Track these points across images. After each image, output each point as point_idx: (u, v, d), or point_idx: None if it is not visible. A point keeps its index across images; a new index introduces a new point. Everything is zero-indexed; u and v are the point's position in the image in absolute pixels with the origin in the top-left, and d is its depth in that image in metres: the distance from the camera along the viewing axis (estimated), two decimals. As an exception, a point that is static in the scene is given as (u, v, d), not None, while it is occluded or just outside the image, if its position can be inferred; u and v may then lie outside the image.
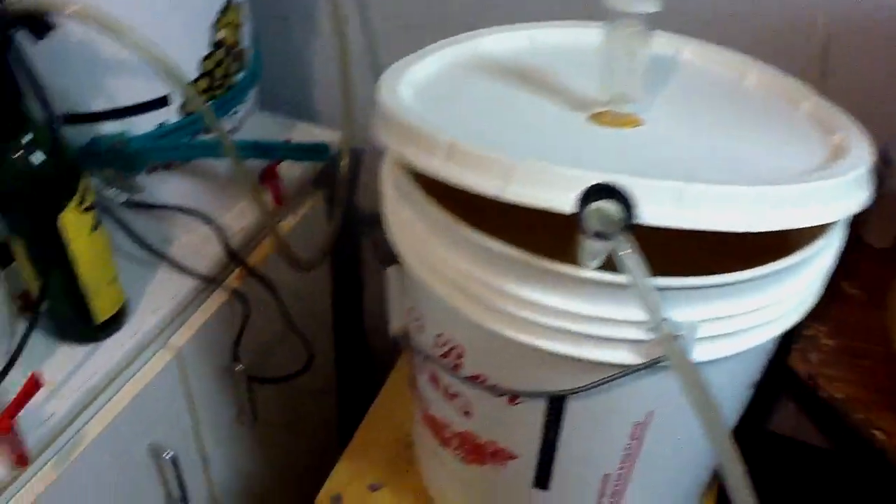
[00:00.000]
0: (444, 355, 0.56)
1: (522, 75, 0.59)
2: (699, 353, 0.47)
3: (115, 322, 0.66)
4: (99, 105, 0.65)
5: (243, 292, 0.76)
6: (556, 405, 0.52)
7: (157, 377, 0.69)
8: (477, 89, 0.57)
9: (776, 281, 0.47)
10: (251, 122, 0.79)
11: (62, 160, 0.55)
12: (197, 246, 0.76)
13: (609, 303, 0.45)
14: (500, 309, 0.47)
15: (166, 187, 0.73)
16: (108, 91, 0.64)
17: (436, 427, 0.64)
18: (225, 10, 0.69)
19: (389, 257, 0.57)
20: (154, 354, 0.70)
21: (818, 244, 0.48)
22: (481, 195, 0.43)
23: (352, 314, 1.15)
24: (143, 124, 0.67)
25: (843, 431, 0.86)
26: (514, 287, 0.46)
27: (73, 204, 0.56)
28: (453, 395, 0.58)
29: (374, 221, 1.02)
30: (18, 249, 0.58)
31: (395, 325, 0.62)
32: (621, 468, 0.57)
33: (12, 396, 0.55)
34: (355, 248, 1.07)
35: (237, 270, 0.77)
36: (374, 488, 0.75)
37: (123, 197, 0.69)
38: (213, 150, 0.70)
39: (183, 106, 0.68)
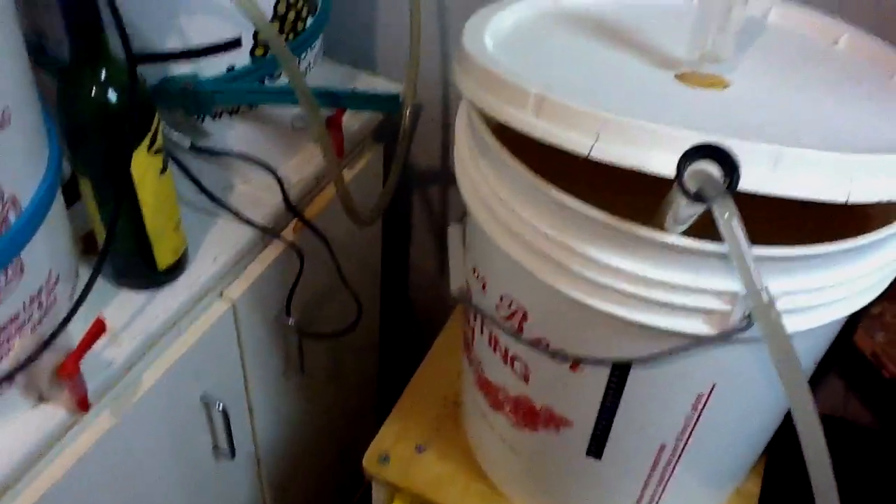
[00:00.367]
0: (507, 318, 0.55)
1: (608, 30, 0.57)
2: (787, 325, 0.46)
3: (177, 269, 0.66)
4: (171, 45, 0.64)
5: (299, 245, 0.75)
6: (620, 374, 0.52)
7: (212, 328, 0.69)
8: (560, 42, 0.56)
9: (864, 254, 0.46)
10: (316, 71, 0.78)
11: (138, 99, 0.55)
12: (256, 195, 0.75)
13: (689, 270, 0.44)
14: (574, 271, 0.46)
15: (231, 133, 0.72)
16: (181, 31, 0.63)
17: (489, 390, 0.63)
18: (298, -50, 0.68)
19: (443, 217, 0.56)
20: (211, 305, 0.70)
21: (907, 221, 0.46)
22: (570, 152, 0.42)
23: (398, 271, 1.15)
24: (213, 67, 0.66)
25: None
26: (591, 249, 0.45)
27: (144, 144, 0.56)
28: (512, 359, 0.58)
29: (429, 179, 1.01)
30: (86, 188, 0.58)
31: (455, 284, 0.61)
32: (678, 439, 0.56)
33: (76, 340, 0.55)
34: (407, 205, 1.06)
35: (294, 222, 0.77)
36: (420, 450, 0.75)
37: (188, 141, 0.68)
38: (285, 95, 0.69)
39: (253, 49, 0.67)
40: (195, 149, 0.69)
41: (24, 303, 0.53)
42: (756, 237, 0.40)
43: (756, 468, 0.73)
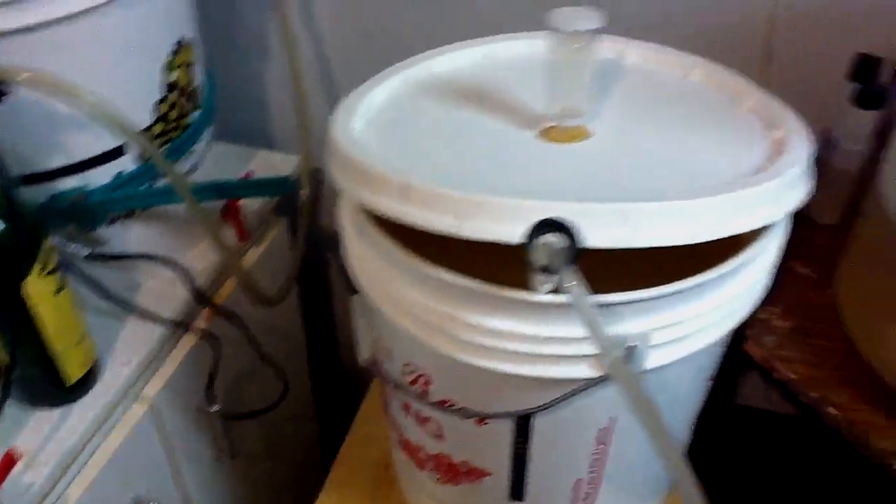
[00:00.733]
0: (412, 382, 0.57)
1: (476, 94, 0.60)
2: (653, 360, 0.49)
3: (88, 381, 0.66)
4: (55, 162, 0.65)
5: (213, 332, 0.76)
6: (522, 423, 0.54)
7: (133, 431, 0.69)
8: (432, 113, 0.58)
9: (723, 282, 0.49)
10: (210, 156, 0.80)
11: (21, 227, 0.55)
12: (163, 291, 0.76)
13: (564, 322, 0.46)
14: (461, 337, 0.48)
15: (128, 236, 0.73)
16: (64, 147, 0.64)
17: (411, 450, 0.65)
18: (176, 52, 0.70)
19: (354, 284, 0.58)
20: (129, 408, 0.70)
21: (761, 243, 0.50)
22: (438, 233, 0.45)
23: (325, 337, 1.16)
24: (100, 176, 0.68)
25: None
26: (471, 315, 0.47)
27: (35, 270, 0.56)
28: (424, 420, 0.59)
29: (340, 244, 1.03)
30: (-17, 317, 0.58)
31: (364, 354, 0.63)
32: (591, 472, 0.59)
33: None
34: (324, 271, 1.08)
35: (205, 310, 0.78)
36: (359, 514, 0.76)
37: (86, 251, 0.69)
38: (171, 195, 0.70)
39: (140, 154, 0.68)
40: (93, 257, 0.70)
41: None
42: (651, 267, 0.43)
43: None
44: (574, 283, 0.39)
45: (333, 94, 0.93)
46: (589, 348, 0.47)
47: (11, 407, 0.63)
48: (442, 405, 0.56)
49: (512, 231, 0.41)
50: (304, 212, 0.83)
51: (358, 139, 0.52)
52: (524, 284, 0.45)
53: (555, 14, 0.51)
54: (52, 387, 0.63)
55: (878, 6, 0.72)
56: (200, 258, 0.79)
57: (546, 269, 0.39)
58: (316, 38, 0.89)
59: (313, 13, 0.88)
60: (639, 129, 0.56)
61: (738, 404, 1.01)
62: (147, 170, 0.69)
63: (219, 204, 0.80)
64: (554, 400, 0.51)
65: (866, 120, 0.67)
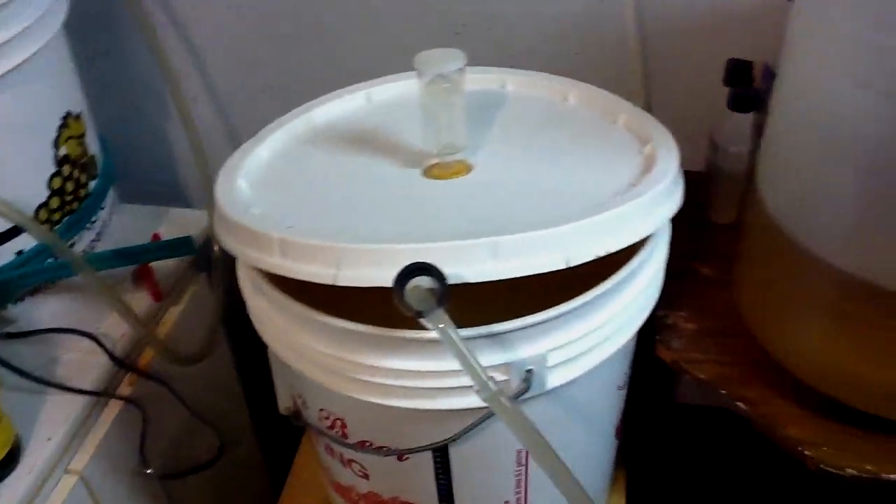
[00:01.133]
0: (330, 427, 0.58)
1: (360, 138, 0.61)
2: (554, 380, 0.50)
3: (9, 462, 0.65)
4: (-48, 247, 0.65)
5: (138, 396, 0.76)
6: (440, 454, 0.55)
7: (64, 505, 0.69)
8: (316, 163, 0.59)
9: (612, 296, 0.51)
10: (118, 220, 0.80)
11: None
12: (83, 361, 0.75)
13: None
14: (362, 378, 0.50)
15: (40, 310, 0.73)
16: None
17: (343, 492, 0.66)
18: (63, 125, 0.70)
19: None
20: (57, 483, 0.69)
21: (643, 254, 0.52)
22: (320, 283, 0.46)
23: (265, 384, 1.15)
24: (1, 256, 0.67)
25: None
26: (368, 357, 0.48)
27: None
28: (349, 461, 0.60)
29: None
30: None
31: (283, 404, 0.63)
32: (517, 492, 0.60)
33: None
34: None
35: (129, 375, 0.78)
36: (305, 558, 0.76)
37: (-5, 332, 0.69)
38: (72, 270, 0.70)
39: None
40: (4, 336, 0.69)
41: None
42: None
43: (618, 486, 0.78)
44: (440, 322, 0.40)
45: (234, 145, 0.94)
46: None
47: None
48: (361, 446, 0.57)
49: (385, 276, 0.43)
50: (220, 265, 0.84)
51: (240, 199, 0.53)
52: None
53: (418, 58, 0.53)
54: (-29, 475, 0.63)
55: (745, 13, 0.76)
56: (117, 325, 0.79)
57: (419, 314, 0.40)
58: (213, 94, 0.90)
59: (208, 72, 0.90)
60: (519, 157, 0.58)
61: (679, 403, 1.03)
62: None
63: (131, 267, 0.80)
64: (464, 429, 0.52)
65: (745, 122, 0.69)
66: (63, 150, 0.70)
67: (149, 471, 0.78)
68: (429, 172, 0.56)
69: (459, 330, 0.43)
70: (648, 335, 0.66)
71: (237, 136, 0.94)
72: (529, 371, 0.49)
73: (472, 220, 0.50)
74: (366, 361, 0.49)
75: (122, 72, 0.93)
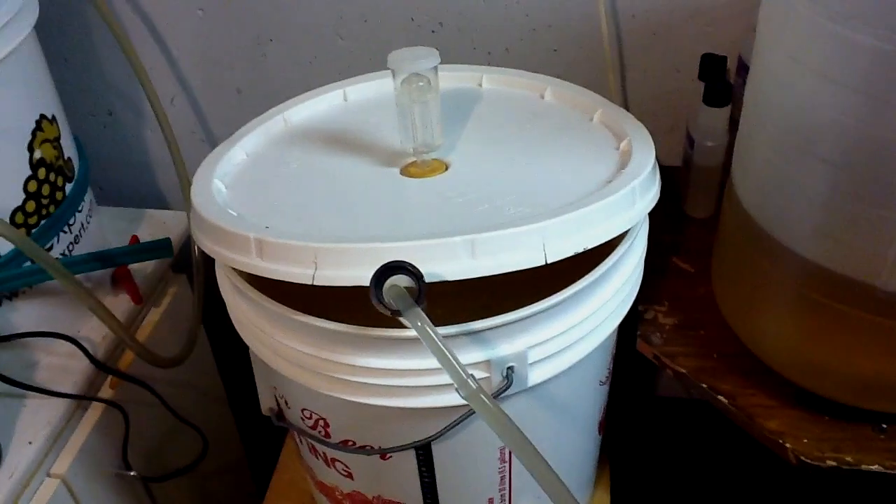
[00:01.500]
0: (313, 427, 0.58)
1: (336, 138, 0.61)
2: (536, 377, 0.50)
3: (-11, 467, 0.65)
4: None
5: (120, 400, 0.76)
6: (423, 452, 0.55)
7: (47, 509, 0.68)
8: (292, 163, 0.59)
9: (591, 292, 0.51)
10: (96, 222, 0.79)
11: None
12: (63, 364, 0.75)
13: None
14: (341, 378, 0.50)
15: (18, 314, 0.72)
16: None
17: (327, 491, 0.66)
18: (38, 129, 0.70)
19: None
20: (39, 487, 0.69)
21: (621, 249, 0.52)
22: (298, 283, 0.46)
23: (248, 384, 1.15)
24: (-24, 261, 0.67)
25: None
26: (348, 356, 0.48)
27: None
28: (332, 461, 0.60)
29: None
30: None
31: (265, 405, 0.63)
32: (501, 489, 0.60)
33: None
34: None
35: (109, 379, 0.77)
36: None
37: (-29, 337, 0.68)
38: (50, 273, 0.70)
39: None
40: (-19, 342, 0.69)
41: None
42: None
43: (601, 481, 0.79)
44: (418, 320, 0.40)
45: (212, 146, 0.93)
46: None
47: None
48: (344, 445, 0.57)
49: (363, 275, 0.43)
50: (199, 267, 0.83)
51: (217, 200, 0.53)
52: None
53: (392, 57, 0.53)
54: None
55: (719, 7, 0.76)
56: (98, 328, 0.78)
57: (396, 314, 0.40)
58: (189, 96, 0.90)
59: (183, 74, 0.89)
60: (496, 155, 0.58)
61: (661, 396, 1.04)
62: (26, 248, 0.69)
63: (110, 270, 0.80)
64: (446, 427, 0.52)
65: (720, 116, 0.70)
66: (38, 154, 0.69)
67: (132, 473, 0.78)
68: (406, 171, 0.56)
69: (438, 328, 0.43)
70: (629, 330, 0.67)
71: (213, 137, 0.94)
72: (510, 368, 0.49)
73: (450, 218, 0.50)
74: (346, 360, 0.48)
75: (95, 74, 0.92)
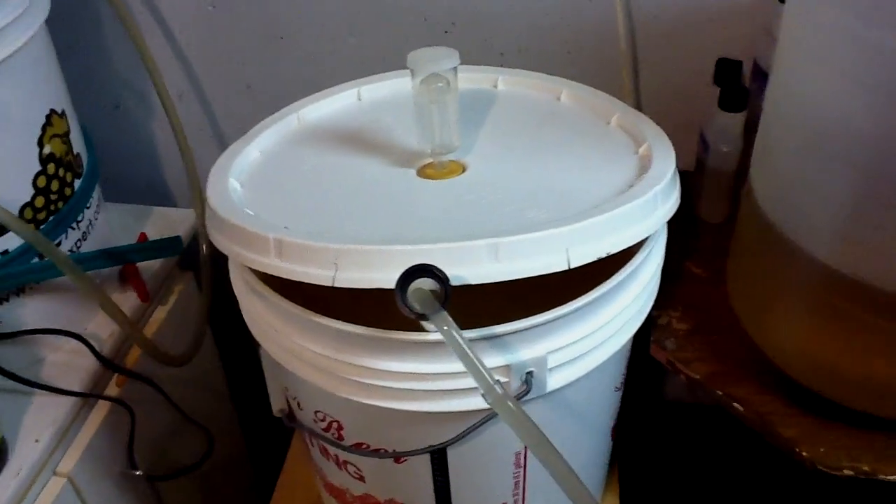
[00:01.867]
0: (326, 429, 0.57)
1: (352, 137, 0.61)
2: (554, 382, 0.50)
3: (-4, 464, 0.65)
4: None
5: (126, 398, 0.75)
6: (438, 457, 0.55)
7: (52, 508, 0.68)
8: (308, 163, 0.58)
9: (612, 297, 0.51)
10: (103, 219, 0.79)
11: None
12: (70, 361, 0.74)
13: (456, 357, 0.47)
14: (360, 380, 0.49)
15: (24, 310, 0.72)
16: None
17: (337, 493, 0.65)
18: (48, 123, 0.69)
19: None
20: (45, 485, 0.69)
21: (641, 254, 0.51)
22: (317, 285, 0.45)
23: (253, 382, 1.14)
24: (-15, 255, 0.66)
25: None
26: (366, 359, 0.48)
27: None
28: (344, 463, 0.60)
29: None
30: None
31: (276, 405, 0.63)
32: (515, 494, 0.60)
33: None
34: (240, 315, 1.07)
35: (116, 376, 0.77)
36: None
37: (-22, 331, 0.67)
38: (58, 269, 0.69)
39: (25, 229, 0.67)
40: (-12, 338, 0.68)
41: None
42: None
43: (611, 485, 0.78)
44: (444, 324, 0.40)
45: (220, 143, 0.93)
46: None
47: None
48: (357, 448, 0.56)
49: (385, 278, 0.42)
50: (207, 265, 0.83)
51: (233, 199, 0.52)
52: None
53: (412, 57, 0.52)
54: (-45, 480, 0.62)
55: (733, 10, 0.76)
56: (104, 325, 0.78)
57: (421, 317, 0.40)
58: (198, 92, 0.89)
59: (194, 72, 0.88)
60: (513, 157, 0.57)
61: (669, 400, 1.04)
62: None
63: (117, 267, 0.79)
64: (463, 432, 0.52)
65: (735, 121, 0.69)
66: (48, 149, 0.69)
67: (137, 472, 0.77)
68: (422, 172, 0.56)
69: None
70: (641, 335, 0.66)
71: (221, 133, 0.93)
72: (529, 373, 0.48)
73: (470, 220, 0.49)
74: (364, 363, 0.48)
75: (103, 67, 0.91)
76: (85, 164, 0.75)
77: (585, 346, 0.50)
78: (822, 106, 0.51)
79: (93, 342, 0.73)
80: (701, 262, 0.73)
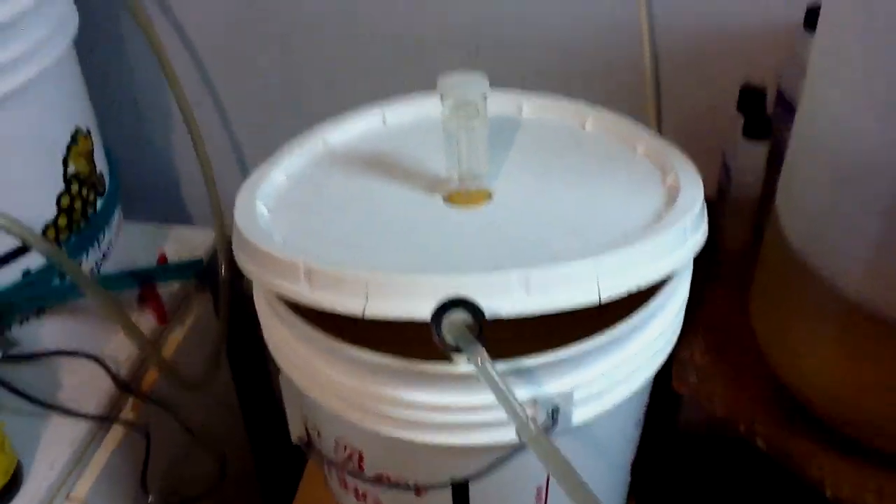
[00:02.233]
0: (346, 459, 0.57)
1: (378, 161, 0.60)
2: (579, 416, 0.49)
3: (12, 488, 0.64)
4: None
5: (142, 422, 0.74)
6: (461, 489, 0.54)
7: (64, 533, 0.67)
8: (334, 187, 0.58)
9: (639, 330, 0.50)
10: (123, 238, 0.78)
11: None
12: (87, 384, 0.74)
13: (485, 390, 0.46)
14: (385, 412, 0.48)
15: (43, 332, 0.71)
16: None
17: (355, 524, 0.64)
18: (73, 142, 0.69)
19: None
20: (59, 510, 0.68)
21: (670, 286, 0.51)
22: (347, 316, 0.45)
23: (266, 408, 1.14)
24: (7, 275, 0.66)
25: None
26: (392, 390, 0.47)
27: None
28: (364, 495, 0.59)
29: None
30: None
31: (295, 433, 0.62)
32: (536, 528, 0.59)
33: None
34: (258, 340, 1.06)
35: (132, 400, 0.76)
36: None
37: (-2, 354, 0.67)
38: (79, 291, 0.69)
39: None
40: (6, 359, 0.68)
41: None
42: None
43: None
44: (479, 358, 0.39)
45: (243, 166, 0.93)
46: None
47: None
48: (378, 479, 0.56)
49: (417, 309, 0.41)
50: (225, 287, 0.82)
51: (261, 223, 0.52)
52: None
53: (442, 82, 0.52)
54: (-29, 504, 0.61)
55: (756, 36, 0.75)
56: (122, 348, 0.77)
57: (457, 350, 0.39)
58: (220, 110, 0.89)
59: (216, 91, 0.88)
60: (539, 185, 0.57)
61: (684, 431, 1.02)
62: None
63: (136, 289, 0.79)
64: (489, 465, 0.51)
65: (759, 149, 0.69)
66: (72, 168, 0.68)
67: (150, 499, 0.76)
68: (450, 199, 0.55)
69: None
70: (663, 370, 0.66)
71: (242, 154, 0.93)
72: (556, 408, 0.48)
73: (498, 250, 0.49)
74: (390, 394, 0.47)
75: (127, 88, 0.91)
76: (107, 183, 0.75)
77: (612, 379, 0.50)
78: (851, 140, 0.51)
79: (110, 364, 0.73)
80: (723, 292, 0.73)
